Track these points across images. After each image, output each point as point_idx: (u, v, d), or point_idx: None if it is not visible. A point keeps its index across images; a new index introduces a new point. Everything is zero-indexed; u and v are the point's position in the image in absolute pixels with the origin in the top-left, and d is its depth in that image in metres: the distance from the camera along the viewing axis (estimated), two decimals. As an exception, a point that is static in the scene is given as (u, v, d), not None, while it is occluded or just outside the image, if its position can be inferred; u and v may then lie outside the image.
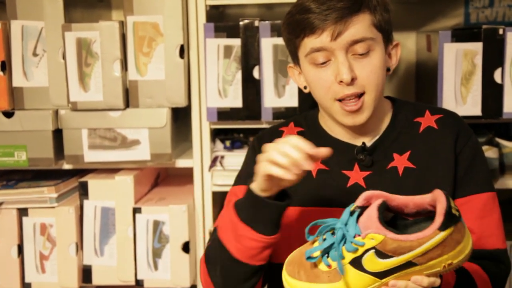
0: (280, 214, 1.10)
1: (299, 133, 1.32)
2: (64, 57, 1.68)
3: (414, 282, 0.98)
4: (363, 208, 1.01)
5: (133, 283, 1.75)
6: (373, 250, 0.97)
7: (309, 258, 1.02)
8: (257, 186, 1.10)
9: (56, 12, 1.68)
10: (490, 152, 1.68)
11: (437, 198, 0.98)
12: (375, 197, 1.01)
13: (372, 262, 0.98)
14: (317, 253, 1.02)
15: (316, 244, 1.03)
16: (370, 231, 0.97)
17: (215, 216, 1.80)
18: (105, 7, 1.99)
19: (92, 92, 1.69)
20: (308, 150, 1.03)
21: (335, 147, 1.27)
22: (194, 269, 1.77)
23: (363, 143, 1.26)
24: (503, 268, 1.26)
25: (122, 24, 1.68)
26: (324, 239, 1.02)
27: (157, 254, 1.73)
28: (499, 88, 1.62)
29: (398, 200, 1.03)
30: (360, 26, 1.17)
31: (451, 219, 0.96)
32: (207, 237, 1.75)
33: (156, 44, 1.68)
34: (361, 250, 0.98)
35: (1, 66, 1.71)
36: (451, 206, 0.96)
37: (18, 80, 1.73)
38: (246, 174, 1.29)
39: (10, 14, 1.70)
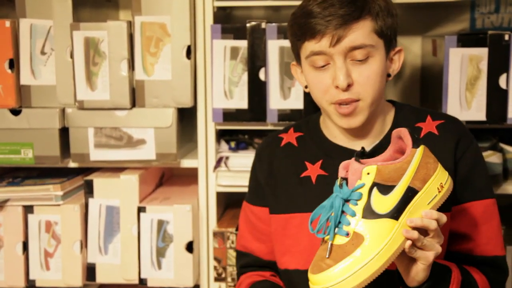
0: None
1: (298, 138, 1.35)
2: (71, 56, 1.69)
3: (425, 216, 1.02)
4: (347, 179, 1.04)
5: (136, 281, 1.76)
6: (375, 188, 0.99)
7: (322, 236, 1.01)
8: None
9: (65, 11, 1.69)
10: (493, 158, 1.68)
11: (399, 132, 1.08)
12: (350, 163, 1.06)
13: (380, 201, 1.00)
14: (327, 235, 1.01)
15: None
16: (362, 167, 1.00)
17: (219, 217, 1.81)
18: (113, 6, 2.00)
19: (99, 91, 1.70)
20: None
21: (333, 152, 1.28)
22: (197, 269, 1.78)
23: (362, 147, 1.26)
24: (501, 274, 1.27)
25: (130, 24, 1.69)
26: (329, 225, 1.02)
27: (161, 253, 1.74)
28: (504, 94, 1.62)
29: (376, 159, 1.09)
30: (360, 32, 1.17)
31: (417, 139, 1.06)
32: (211, 237, 1.75)
33: (163, 44, 1.69)
34: (365, 194, 0.99)
35: (9, 64, 1.72)
36: (412, 132, 1.07)
37: (25, 78, 1.74)
38: (254, 192, 1.39)
39: (19, 12, 1.71)
